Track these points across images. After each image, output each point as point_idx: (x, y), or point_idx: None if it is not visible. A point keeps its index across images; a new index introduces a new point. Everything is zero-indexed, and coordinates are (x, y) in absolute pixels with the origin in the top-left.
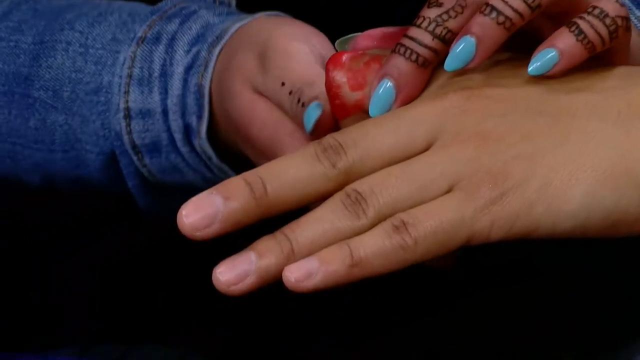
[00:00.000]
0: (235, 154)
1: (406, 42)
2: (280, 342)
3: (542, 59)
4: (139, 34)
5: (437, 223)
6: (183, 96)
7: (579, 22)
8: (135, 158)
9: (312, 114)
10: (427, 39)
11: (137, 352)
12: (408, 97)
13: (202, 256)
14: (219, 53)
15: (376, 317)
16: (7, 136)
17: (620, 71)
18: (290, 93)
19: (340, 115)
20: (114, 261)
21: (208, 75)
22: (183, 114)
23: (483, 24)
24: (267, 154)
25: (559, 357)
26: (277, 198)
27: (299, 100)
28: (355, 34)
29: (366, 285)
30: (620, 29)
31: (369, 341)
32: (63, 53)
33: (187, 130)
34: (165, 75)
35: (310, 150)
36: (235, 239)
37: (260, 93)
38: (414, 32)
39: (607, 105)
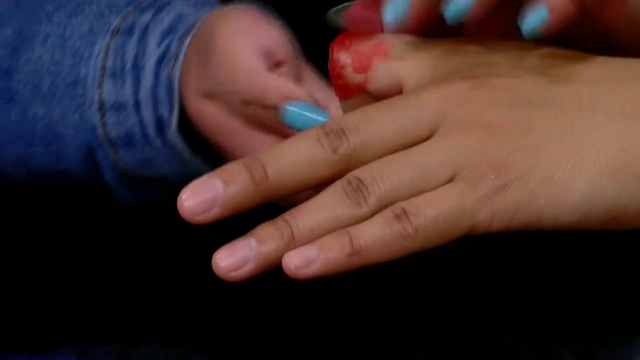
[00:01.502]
0: (211, 148)
1: None
2: (280, 342)
3: (532, 18)
4: (113, 26)
5: (438, 212)
6: (154, 88)
7: None
8: (110, 151)
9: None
10: None
11: (137, 352)
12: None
13: (202, 256)
14: (189, 45)
15: (376, 317)
16: None
17: (626, 62)
18: (246, 103)
19: (342, 95)
20: (114, 261)
21: (178, 67)
22: (155, 107)
23: None
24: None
25: (559, 357)
26: (277, 182)
27: (265, 106)
28: (349, 3)
29: (366, 284)
30: None
31: (369, 341)
32: (41, 46)
33: (160, 123)
34: (137, 67)
35: (313, 134)
36: (236, 234)
37: (209, 95)
38: None
39: (612, 97)
